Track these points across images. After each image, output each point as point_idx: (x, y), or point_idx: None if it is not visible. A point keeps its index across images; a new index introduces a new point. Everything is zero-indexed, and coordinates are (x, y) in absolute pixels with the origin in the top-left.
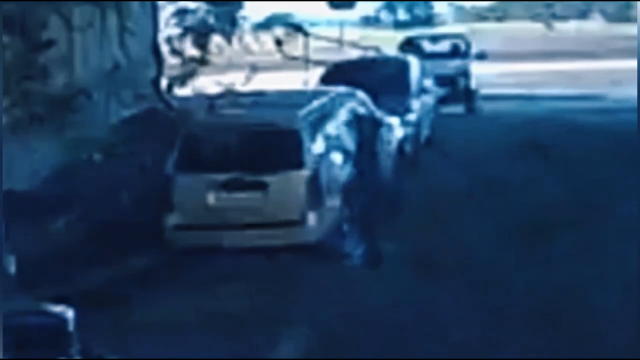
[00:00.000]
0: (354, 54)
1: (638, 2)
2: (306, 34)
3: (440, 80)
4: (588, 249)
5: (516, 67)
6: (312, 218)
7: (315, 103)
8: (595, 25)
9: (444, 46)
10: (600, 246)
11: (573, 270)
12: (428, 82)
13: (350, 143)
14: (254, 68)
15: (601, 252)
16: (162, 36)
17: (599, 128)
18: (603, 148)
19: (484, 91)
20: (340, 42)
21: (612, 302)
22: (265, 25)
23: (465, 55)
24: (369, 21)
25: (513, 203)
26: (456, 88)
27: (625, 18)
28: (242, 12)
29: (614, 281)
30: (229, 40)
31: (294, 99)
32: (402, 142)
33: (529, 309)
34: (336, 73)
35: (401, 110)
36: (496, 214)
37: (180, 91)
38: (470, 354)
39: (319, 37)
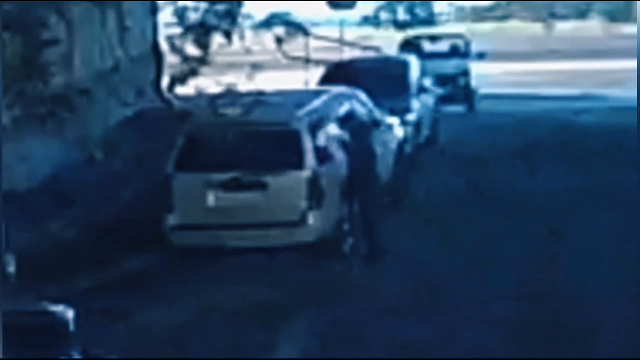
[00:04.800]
0: (354, 54)
1: (638, 2)
2: (307, 34)
3: (440, 80)
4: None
5: (516, 67)
6: (312, 218)
7: (316, 103)
8: (595, 25)
9: (443, 46)
10: None
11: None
12: (428, 82)
13: (350, 143)
14: (256, 67)
15: None
16: (163, 36)
17: (599, 128)
18: (603, 148)
19: (484, 91)
20: (340, 42)
21: None
22: (266, 24)
23: (465, 55)
24: (369, 21)
25: (514, 202)
26: (456, 88)
27: (625, 18)
28: (243, 11)
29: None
30: (229, 39)
31: (294, 99)
32: (402, 142)
33: None
34: (336, 73)
35: (401, 110)
36: (495, 215)
37: (181, 90)
38: None
39: (319, 37)
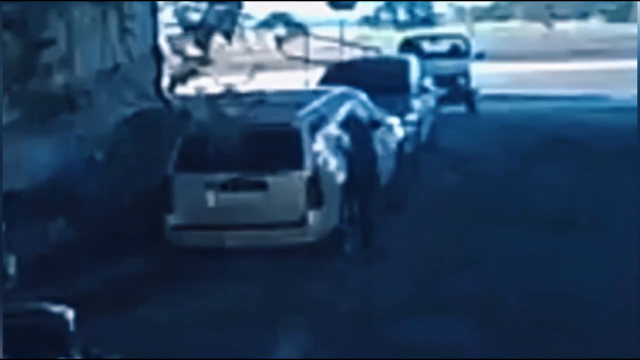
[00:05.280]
0: (354, 54)
1: (638, 2)
2: (307, 34)
3: (440, 80)
4: None
5: (516, 67)
6: (312, 218)
7: (315, 103)
8: (595, 25)
9: (443, 46)
10: None
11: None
12: (428, 82)
13: (350, 143)
14: (258, 67)
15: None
16: (163, 36)
17: (598, 128)
18: (605, 147)
19: (484, 91)
20: (340, 42)
21: None
22: (266, 24)
23: (465, 55)
24: (369, 21)
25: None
26: (456, 88)
27: (625, 18)
28: (244, 11)
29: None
30: (229, 39)
31: (293, 99)
32: (402, 142)
33: None
34: (336, 73)
35: (401, 110)
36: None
37: (181, 90)
38: None
39: (319, 37)
